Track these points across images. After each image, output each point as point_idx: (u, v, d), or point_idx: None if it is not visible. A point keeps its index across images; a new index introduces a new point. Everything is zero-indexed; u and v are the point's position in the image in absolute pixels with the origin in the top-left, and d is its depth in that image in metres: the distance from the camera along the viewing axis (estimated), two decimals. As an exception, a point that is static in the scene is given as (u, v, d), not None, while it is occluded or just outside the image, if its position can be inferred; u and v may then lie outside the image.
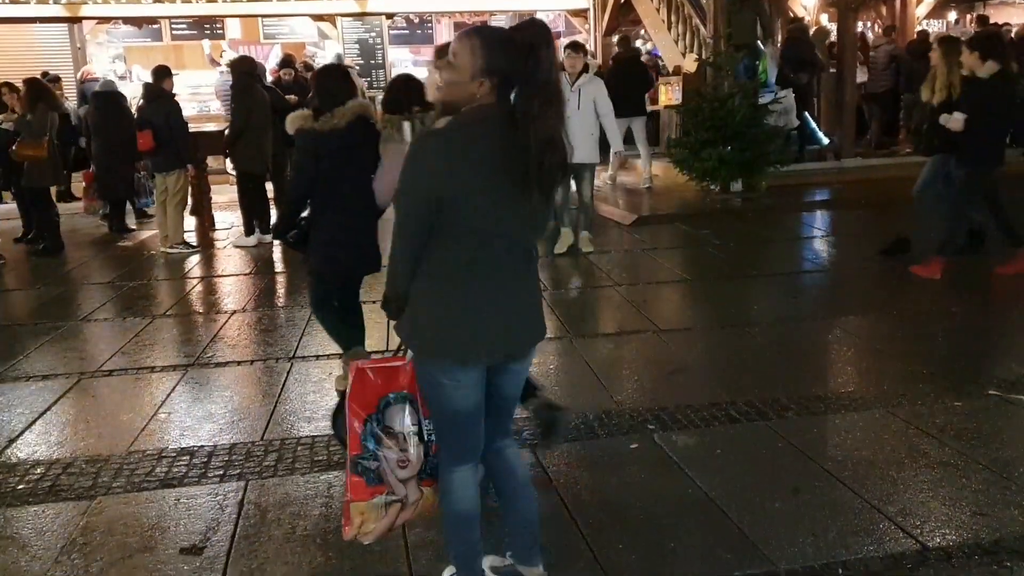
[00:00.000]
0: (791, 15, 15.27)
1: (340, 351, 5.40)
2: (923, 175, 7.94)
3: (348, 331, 5.19)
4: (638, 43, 19.33)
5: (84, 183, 11.96)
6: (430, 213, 2.57)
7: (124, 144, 10.17)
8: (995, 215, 7.41)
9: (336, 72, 5.21)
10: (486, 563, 3.11)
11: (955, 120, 7.08)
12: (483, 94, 2.60)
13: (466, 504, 2.87)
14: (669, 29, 14.41)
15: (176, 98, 10.04)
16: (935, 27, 18.83)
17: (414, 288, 2.69)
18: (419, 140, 2.61)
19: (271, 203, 10.61)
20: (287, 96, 11.34)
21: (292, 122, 4.81)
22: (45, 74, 13.32)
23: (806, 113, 13.15)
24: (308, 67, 13.63)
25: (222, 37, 18.05)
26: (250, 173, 9.96)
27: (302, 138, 4.78)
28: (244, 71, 9.98)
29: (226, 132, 10.16)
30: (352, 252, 4.92)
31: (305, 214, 4.96)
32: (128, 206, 11.54)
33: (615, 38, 16.04)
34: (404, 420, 2.85)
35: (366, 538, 2.96)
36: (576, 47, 8.70)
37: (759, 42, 12.20)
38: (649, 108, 15.09)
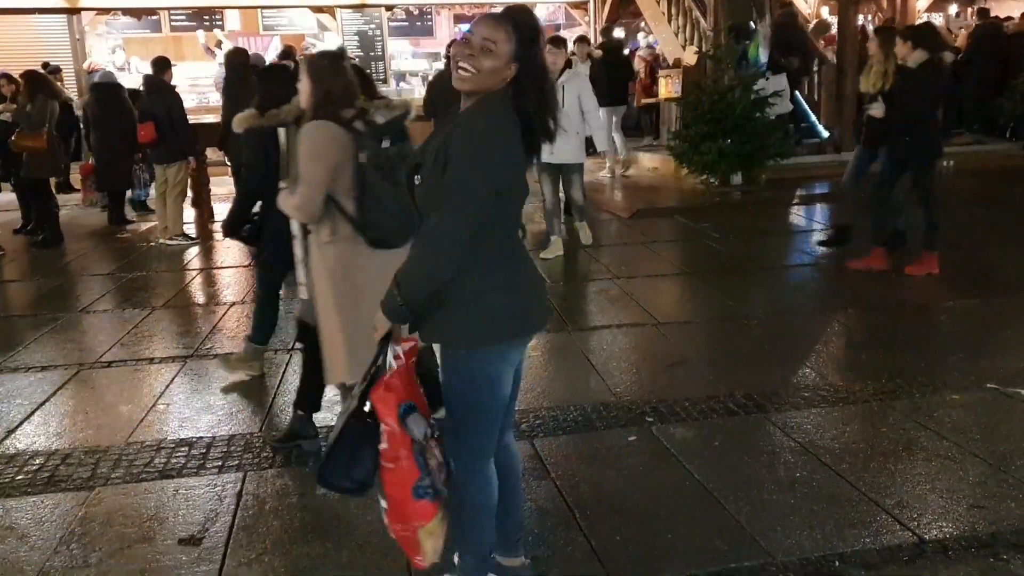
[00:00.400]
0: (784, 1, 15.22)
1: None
2: (849, 166, 8.17)
3: (271, 331, 5.42)
4: (639, 36, 19.33)
5: (81, 175, 11.96)
6: (492, 204, 2.56)
7: (123, 136, 10.17)
8: (877, 210, 7.47)
9: (279, 72, 5.30)
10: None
11: (875, 108, 7.24)
12: (507, 80, 2.59)
13: (491, 497, 2.87)
14: (669, 21, 14.41)
15: (176, 89, 10.03)
16: (937, 20, 18.77)
17: (455, 284, 2.61)
18: (485, 131, 2.56)
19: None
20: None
21: (239, 123, 4.85)
22: (46, 65, 13.33)
23: (798, 93, 13.20)
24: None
25: (221, 28, 18.03)
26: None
27: (250, 136, 4.84)
28: (237, 63, 9.94)
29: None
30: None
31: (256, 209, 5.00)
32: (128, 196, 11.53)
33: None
34: (422, 429, 2.73)
35: (439, 556, 2.85)
36: (557, 42, 8.31)
37: (751, 23, 12.16)
38: (648, 101, 15.12)
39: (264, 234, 4.95)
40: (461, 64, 2.56)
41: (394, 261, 2.92)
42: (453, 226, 2.53)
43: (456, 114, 2.67)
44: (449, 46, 10.84)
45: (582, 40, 12.83)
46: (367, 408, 2.72)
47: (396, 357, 2.73)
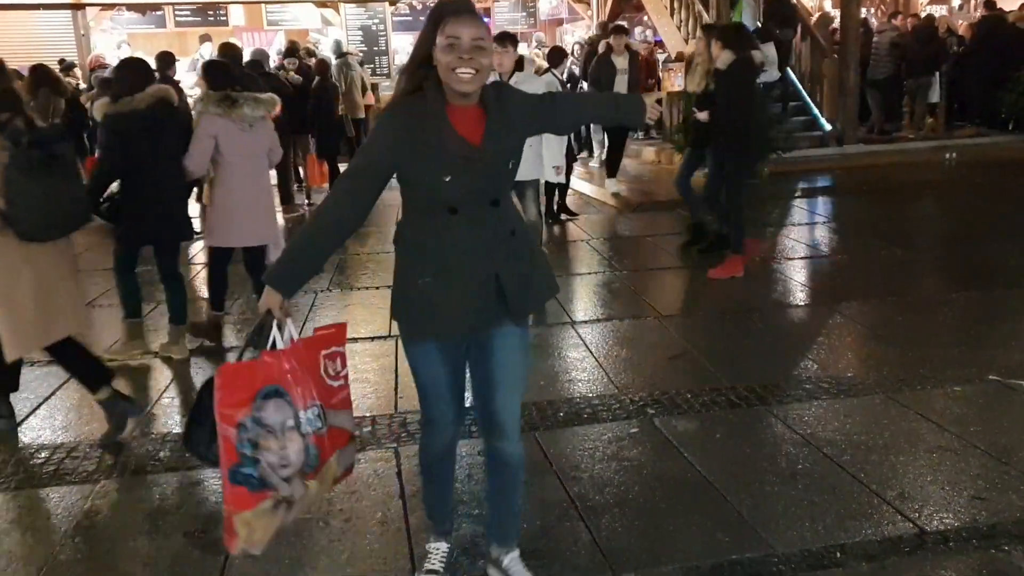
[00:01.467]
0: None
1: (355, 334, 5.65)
2: (680, 166, 8.43)
3: (137, 303, 5.85)
4: (637, 29, 19.33)
5: (87, 169, 11.96)
6: None
7: None
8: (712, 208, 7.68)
9: (133, 64, 5.83)
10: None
11: (702, 115, 7.47)
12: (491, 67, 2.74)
13: (432, 467, 3.08)
14: (672, 15, 14.40)
15: (180, 84, 10.05)
16: (940, 12, 18.74)
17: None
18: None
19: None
20: (290, 78, 11.35)
21: (98, 110, 5.57)
22: (62, 61, 13.39)
23: (788, 69, 13.36)
24: (310, 53, 13.58)
25: (225, 24, 18.06)
26: None
27: (107, 121, 5.41)
28: (230, 57, 9.91)
29: None
30: (159, 219, 5.55)
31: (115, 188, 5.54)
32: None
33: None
34: (279, 416, 2.67)
35: (255, 548, 2.76)
36: (504, 39, 6.70)
37: None
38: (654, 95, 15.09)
39: (123, 211, 5.50)
40: (461, 69, 2.57)
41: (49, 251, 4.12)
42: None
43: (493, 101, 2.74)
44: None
45: (619, 31, 11.94)
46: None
47: (293, 339, 2.75)
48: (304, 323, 6.29)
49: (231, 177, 5.66)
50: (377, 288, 7.18)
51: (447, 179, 2.66)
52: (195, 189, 6.36)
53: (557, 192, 9.70)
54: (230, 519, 2.66)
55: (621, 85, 11.01)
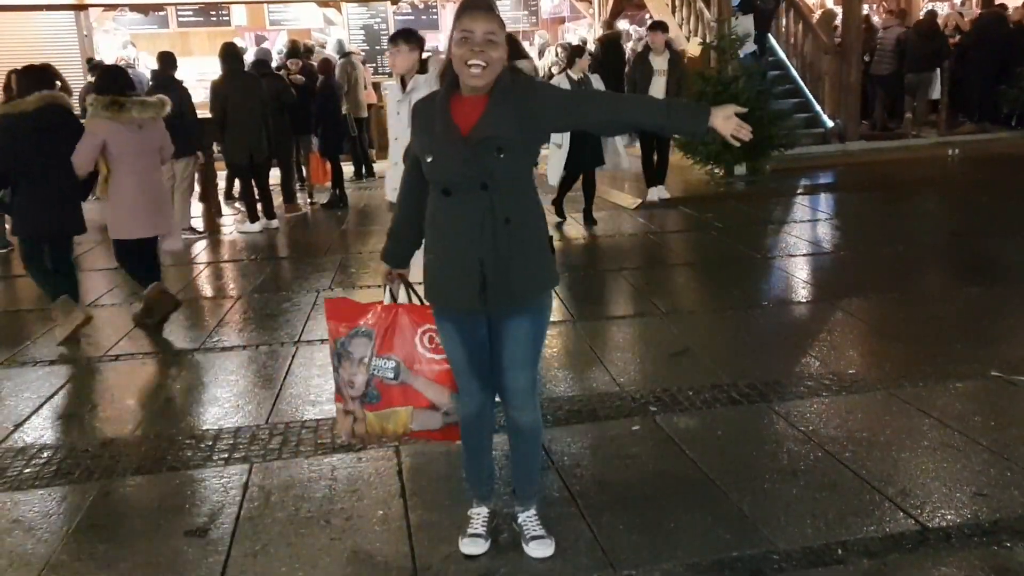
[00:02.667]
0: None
1: None
2: None
3: (56, 283, 6.12)
4: (631, 28, 19.31)
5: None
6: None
7: None
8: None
9: (28, 70, 6.27)
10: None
11: None
12: (504, 61, 2.90)
13: (468, 433, 3.28)
14: (673, 13, 14.40)
15: (184, 84, 10.06)
16: (943, 9, 18.68)
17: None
18: None
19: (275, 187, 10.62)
20: (293, 79, 11.36)
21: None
22: (90, 60, 13.48)
23: (769, 35, 13.59)
24: (309, 51, 13.54)
25: (227, 24, 18.06)
26: (235, 163, 9.99)
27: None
28: (231, 56, 9.93)
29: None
30: (50, 215, 5.99)
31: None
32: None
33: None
34: (359, 351, 3.32)
35: (340, 435, 3.61)
36: (399, 38, 5.50)
37: None
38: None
39: (15, 207, 6.00)
40: (473, 62, 2.76)
41: None
42: None
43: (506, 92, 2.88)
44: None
45: (657, 27, 10.51)
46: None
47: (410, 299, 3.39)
48: (307, 321, 6.30)
49: (124, 175, 6.09)
50: (379, 286, 7.15)
51: (428, 159, 2.91)
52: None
53: (584, 198, 9.15)
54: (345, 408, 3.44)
55: (658, 88, 9.95)
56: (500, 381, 3.13)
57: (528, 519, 3.32)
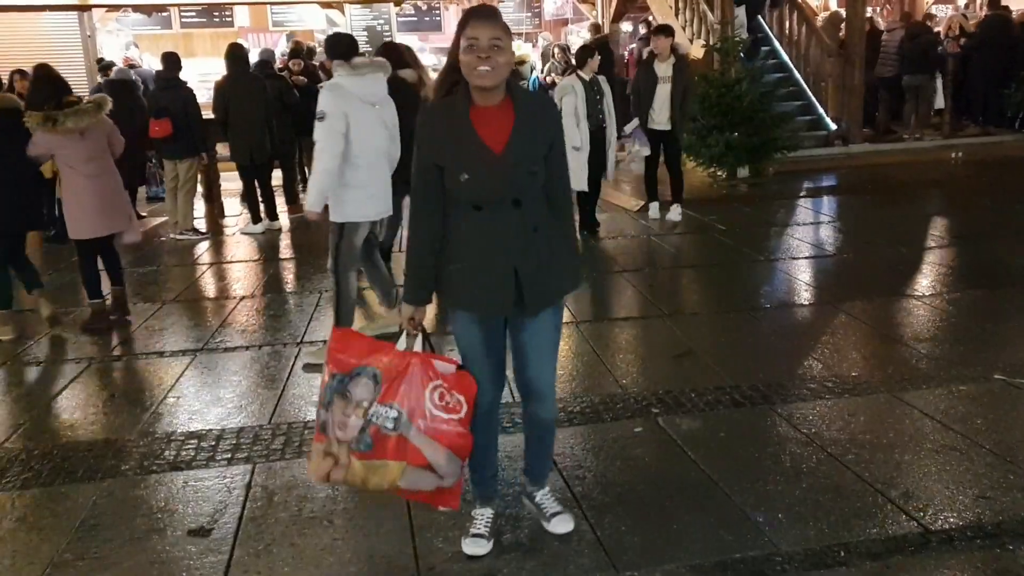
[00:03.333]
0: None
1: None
2: None
3: (6, 291, 6.30)
4: (623, 28, 19.35)
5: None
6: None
7: (137, 132, 10.20)
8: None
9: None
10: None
11: None
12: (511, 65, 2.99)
13: (481, 431, 3.20)
14: (676, 15, 14.39)
15: (189, 85, 10.07)
16: (945, 12, 18.70)
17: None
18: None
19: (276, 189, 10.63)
20: (295, 80, 11.36)
21: None
22: (100, 60, 13.50)
23: (760, 18, 13.77)
24: (311, 53, 13.55)
25: (231, 25, 18.09)
26: (239, 164, 10.00)
27: None
28: (237, 57, 9.92)
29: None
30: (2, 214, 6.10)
31: None
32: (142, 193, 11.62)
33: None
34: (361, 392, 3.01)
35: (311, 475, 3.16)
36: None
37: None
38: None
39: None
40: (480, 68, 2.83)
41: None
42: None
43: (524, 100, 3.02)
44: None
45: (661, 31, 9.60)
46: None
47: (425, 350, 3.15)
48: (309, 322, 6.31)
49: (74, 178, 6.20)
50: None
51: (464, 178, 2.92)
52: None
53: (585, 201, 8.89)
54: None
55: (662, 97, 9.12)
56: (524, 376, 3.21)
57: (545, 497, 3.48)
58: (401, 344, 3.11)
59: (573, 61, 9.17)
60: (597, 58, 8.52)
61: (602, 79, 8.58)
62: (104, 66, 12.74)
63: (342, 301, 5.44)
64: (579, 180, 8.08)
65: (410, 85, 6.29)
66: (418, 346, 3.14)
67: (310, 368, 5.33)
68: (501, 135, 2.93)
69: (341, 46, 5.31)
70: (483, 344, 3.15)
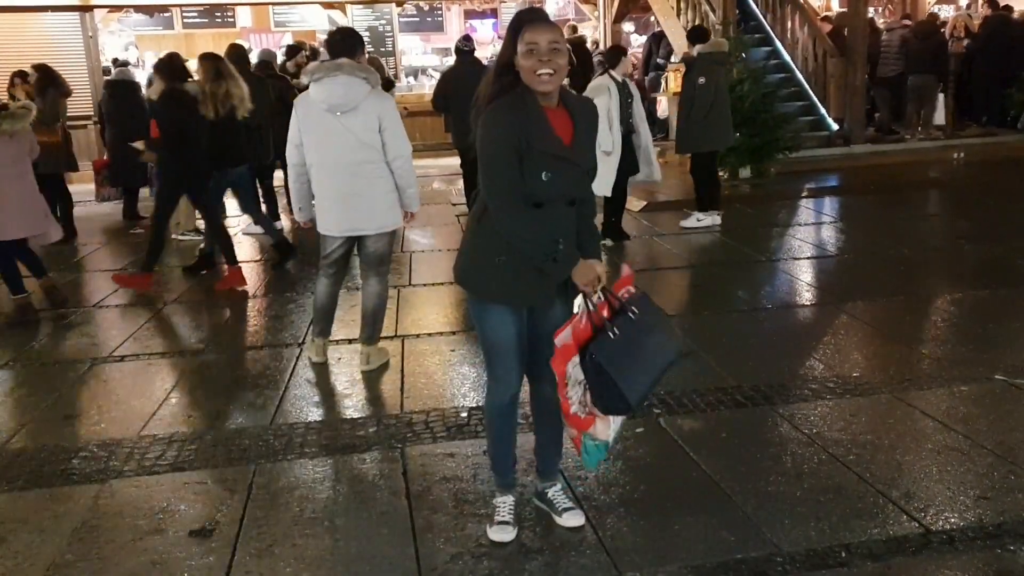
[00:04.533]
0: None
1: (348, 337, 5.79)
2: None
3: None
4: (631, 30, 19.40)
5: (95, 170, 12.03)
6: None
7: (139, 132, 10.19)
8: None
9: None
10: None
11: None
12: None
13: (496, 425, 3.42)
14: (679, 16, 14.38)
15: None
16: (948, 12, 18.66)
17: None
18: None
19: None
20: (296, 82, 11.35)
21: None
22: (116, 60, 13.54)
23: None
24: (315, 52, 13.51)
25: (232, 26, 18.09)
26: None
27: None
28: (237, 58, 9.90)
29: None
30: None
31: None
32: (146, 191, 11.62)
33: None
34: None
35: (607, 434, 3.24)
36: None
37: None
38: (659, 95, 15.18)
39: None
40: (542, 71, 2.92)
41: None
42: None
43: (576, 104, 3.14)
44: (464, 39, 10.79)
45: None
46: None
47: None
48: (310, 323, 6.30)
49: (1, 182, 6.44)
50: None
51: (546, 175, 2.99)
52: None
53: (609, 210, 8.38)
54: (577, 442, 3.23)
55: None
56: (540, 360, 3.23)
57: (557, 493, 3.54)
58: (592, 303, 3.10)
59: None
60: (630, 58, 8.38)
61: (629, 81, 8.32)
62: (122, 63, 12.77)
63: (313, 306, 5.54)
64: (605, 185, 7.72)
65: (191, 98, 6.93)
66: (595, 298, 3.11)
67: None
68: (567, 136, 3.05)
69: (329, 45, 5.18)
70: (516, 338, 3.23)
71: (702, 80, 8.76)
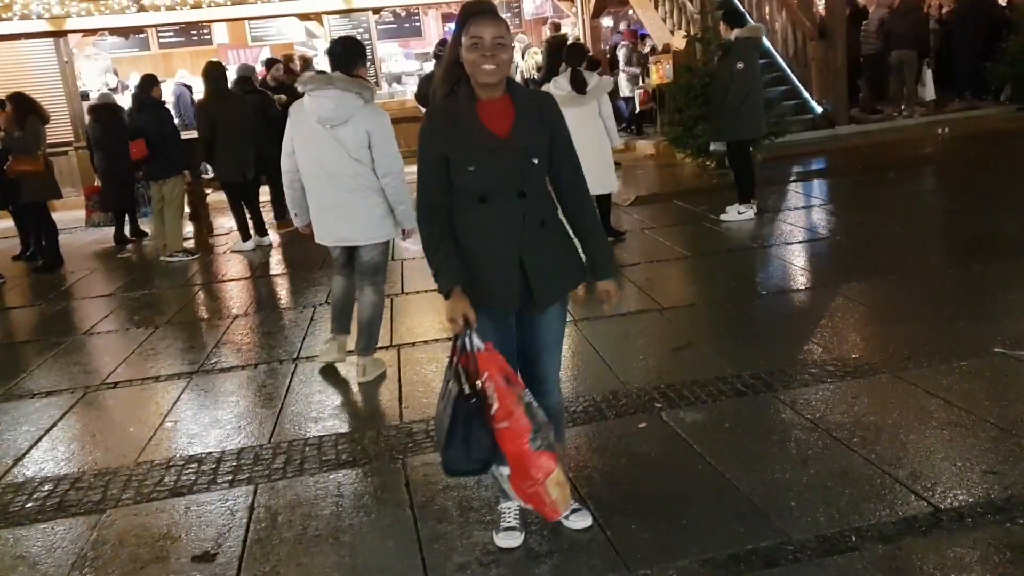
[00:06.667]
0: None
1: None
2: None
3: None
4: (623, 25, 19.35)
5: (86, 195, 12.00)
6: None
7: (124, 155, 10.16)
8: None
9: None
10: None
11: None
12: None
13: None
14: (656, 7, 14.39)
15: (166, 105, 10.05)
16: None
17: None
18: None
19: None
20: (277, 97, 11.31)
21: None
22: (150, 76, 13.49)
23: None
24: (288, 64, 13.37)
25: (209, 43, 18.03)
26: (225, 182, 9.96)
27: None
28: (215, 76, 9.89)
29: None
30: None
31: None
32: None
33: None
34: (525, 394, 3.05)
35: (568, 504, 3.21)
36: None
37: None
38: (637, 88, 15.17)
39: None
40: (485, 66, 2.90)
41: None
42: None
43: (522, 94, 3.11)
44: (439, 45, 10.77)
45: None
46: (465, 384, 2.94)
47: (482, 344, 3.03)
48: (304, 337, 6.27)
49: None
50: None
51: (471, 168, 2.97)
52: None
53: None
54: (539, 492, 2.98)
55: None
56: (532, 368, 3.27)
57: None
58: (474, 343, 2.98)
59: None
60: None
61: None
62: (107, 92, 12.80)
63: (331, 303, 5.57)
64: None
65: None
66: (476, 339, 2.98)
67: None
68: (505, 124, 3.00)
69: (331, 55, 5.14)
70: (499, 341, 3.14)
71: (740, 65, 8.53)
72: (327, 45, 16.30)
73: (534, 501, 3.04)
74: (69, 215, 12.58)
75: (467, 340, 2.96)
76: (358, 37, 16.93)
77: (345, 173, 4.92)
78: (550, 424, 3.05)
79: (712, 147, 10.23)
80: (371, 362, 5.32)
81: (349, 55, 5.02)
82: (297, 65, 13.66)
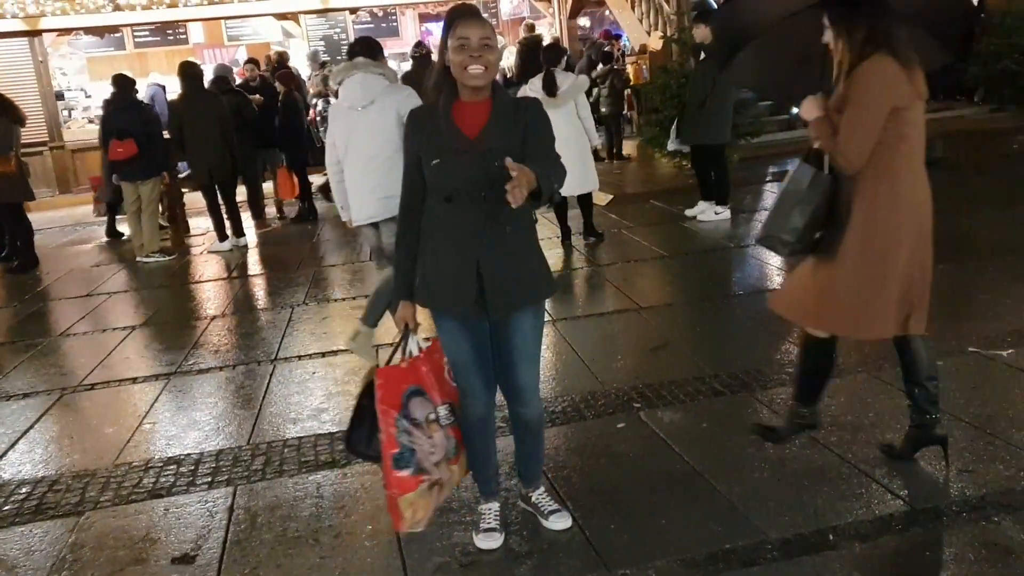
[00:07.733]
0: None
1: (322, 351, 5.77)
2: None
3: None
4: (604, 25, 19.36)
5: (92, 187, 12.01)
6: None
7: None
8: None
9: None
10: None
11: None
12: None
13: (473, 433, 3.32)
14: (633, 8, 14.42)
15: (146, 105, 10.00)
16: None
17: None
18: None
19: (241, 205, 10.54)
20: (253, 97, 11.27)
21: None
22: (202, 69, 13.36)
23: None
24: (255, 64, 13.24)
25: (185, 43, 17.93)
26: (199, 183, 9.92)
27: None
28: (191, 75, 9.84)
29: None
30: None
31: None
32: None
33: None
34: (423, 411, 3.18)
35: (419, 526, 3.22)
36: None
37: None
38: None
39: None
40: (472, 67, 2.89)
41: None
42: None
43: (503, 97, 3.07)
44: (416, 46, 10.77)
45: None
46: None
47: (420, 349, 3.23)
48: (282, 338, 6.25)
49: None
50: (354, 299, 7.14)
51: (435, 163, 2.98)
52: None
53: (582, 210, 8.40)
54: (395, 503, 3.13)
55: None
56: (507, 378, 3.23)
57: (541, 496, 3.51)
58: (411, 350, 3.23)
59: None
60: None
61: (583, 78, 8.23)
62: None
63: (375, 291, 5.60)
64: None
65: None
66: (413, 344, 3.24)
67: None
68: (476, 127, 2.99)
69: (350, 54, 5.37)
70: (472, 352, 3.16)
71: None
72: (304, 46, 16.34)
73: (389, 505, 3.18)
74: (45, 216, 12.49)
75: (405, 344, 3.22)
76: (335, 37, 17.07)
77: (374, 153, 5.08)
78: (439, 452, 3.19)
79: (670, 147, 10.29)
80: (367, 334, 5.46)
81: (370, 49, 5.32)
82: (272, 60, 13.69)
